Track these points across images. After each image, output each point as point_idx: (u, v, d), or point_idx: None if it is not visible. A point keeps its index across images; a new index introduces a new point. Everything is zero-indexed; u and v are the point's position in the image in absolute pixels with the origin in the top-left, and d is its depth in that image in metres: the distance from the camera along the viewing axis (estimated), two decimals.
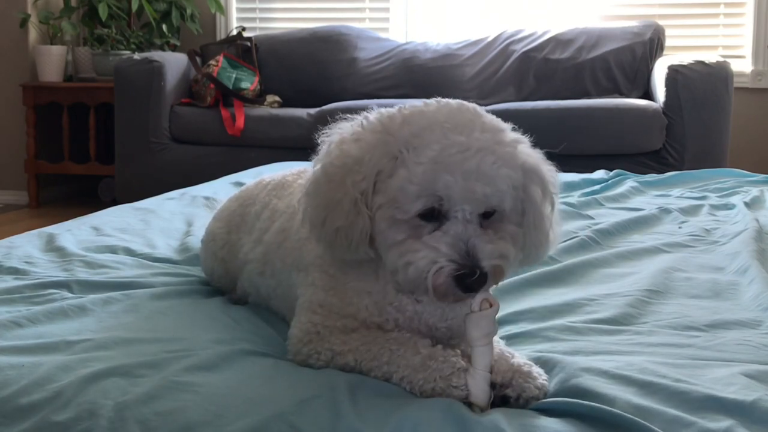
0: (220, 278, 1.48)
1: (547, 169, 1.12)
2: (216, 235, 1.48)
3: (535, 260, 1.12)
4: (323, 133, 1.14)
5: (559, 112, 3.95)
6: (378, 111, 1.10)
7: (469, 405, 0.97)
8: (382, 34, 5.00)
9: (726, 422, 0.91)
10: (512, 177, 1.03)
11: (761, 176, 2.86)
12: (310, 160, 1.15)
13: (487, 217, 1.02)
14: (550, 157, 1.16)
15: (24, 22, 4.84)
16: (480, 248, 0.98)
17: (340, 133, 1.11)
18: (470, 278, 0.97)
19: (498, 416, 0.93)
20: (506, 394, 0.99)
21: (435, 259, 0.98)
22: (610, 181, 2.80)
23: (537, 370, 1.02)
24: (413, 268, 0.99)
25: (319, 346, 1.09)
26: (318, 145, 1.13)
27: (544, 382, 1.01)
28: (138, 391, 0.96)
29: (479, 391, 0.98)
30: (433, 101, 1.10)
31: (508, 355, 1.04)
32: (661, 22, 4.51)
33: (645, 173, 3.06)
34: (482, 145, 1.01)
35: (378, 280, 1.10)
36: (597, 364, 1.07)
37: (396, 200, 1.01)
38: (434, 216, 1.00)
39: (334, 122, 1.15)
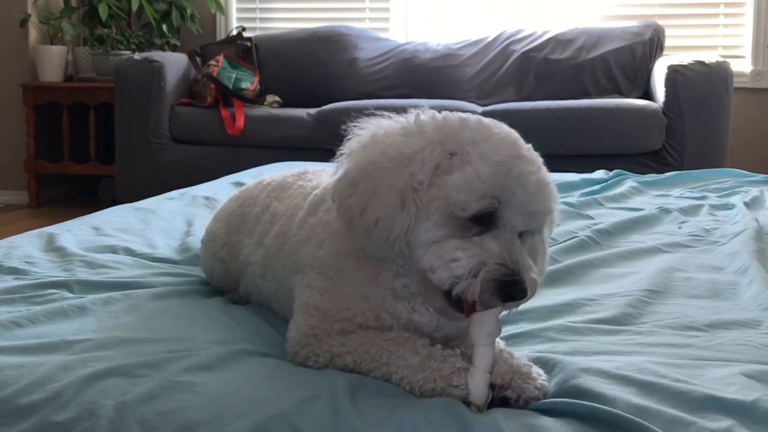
0: (220, 278, 1.48)
1: (557, 208, 1.12)
2: (216, 235, 1.48)
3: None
4: (354, 126, 1.12)
5: (559, 112, 3.96)
6: (427, 111, 1.10)
7: (467, 404, 0.97)
8: (382, 34, 5.00)
9: (726, 422, 0.91)
10: (558, 207, 1.07)
11: (761, 176, 2.86)
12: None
13: (521, 234, 1.03)
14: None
15: (24, 22, 4.84)
16: (522, 261, 0.99)
17: (378, 129, 1.09)
18: (516, 286, 0.97)
19: (498, 416, 0.93)
20: (506, 396, 0.99)
21: (485, 260, 0.97)
22: (610, 181, 2.81)
23: (536, 371, 1.02)
24: (458, 265, 0.98)
25: (317, 348, 1.09)
26: (342, 139, 1.11)
27: (544, 382, 1.01)
28: (138, 391, 0.96)
29: (478, 390, 0.98)
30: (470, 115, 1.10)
31: (507, 355, 1.05)
32: (661, 22, 4.52)
33: (645, 173, 3.06)
34: (540, 166, 1.05)
35: (378, 287, 1.09)
36: (597, 364, 1.07)
37: (453, 197, 1.00)
38: (484, 220, 1.00)
39: (364, 118, 1.13)
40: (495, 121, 1.09)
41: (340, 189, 1.07)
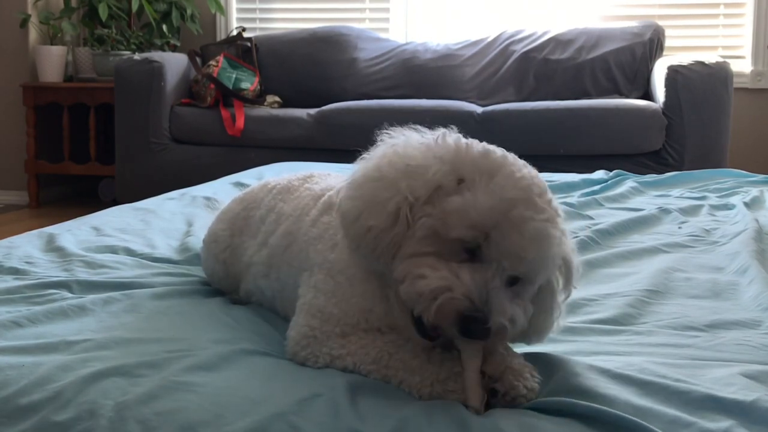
0: (221, 280, 1.48)
1: (577, 262, 1.09)
2: (218, 237, 1.48)
3: (535, 341, 1.10)
4: (385, 134, 1.11)
5: (559, 113, 3.95)
6: (454, 134, 1.07)
7: (466, 406, 0.97)
8: (382, 35, 5.00)
9: (726, 422, 0.91)
10: (556, 261, 1.02)
11: (761, 176, 2.86)
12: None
13: (512, 279, 0.99)
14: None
15: (24, 22, 4.84)
16: (496, 302, 0.94)
17: (405, 141, 1.08)
18: (477, 324, 0.93)
19: (497, 416, 0.93)
20: (495, 388, 0.99)
21: (452, 286, 0.94)
22: (609, 182, 2.81)
23: (530, 372, 1.02)
24: (424, 283, 0.95)
25: (317, 350, 1.09)
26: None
27: (535, 385, 1.00)
28: (138, 391, 0.96)
29: (472, 393, 0.97)
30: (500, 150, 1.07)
31: (504, 351, 1.04)
32: (661, 23, 4.52)
33: (645, 173, 3.06)
34: (549, 216, 0.99)
35: (382, 301, 1.07)
36: (597, 365, 1.07)
37: (446, 218, 0.97)
38: (474, 251, 0.97)
39: (399, 128, 1.12)
40: (520, 160, 1.05)
41: (343, 191, 1.07)
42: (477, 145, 1.05)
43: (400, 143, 1.08)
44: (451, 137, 1.07)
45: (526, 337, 1.09)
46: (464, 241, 0.97)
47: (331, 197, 1.24)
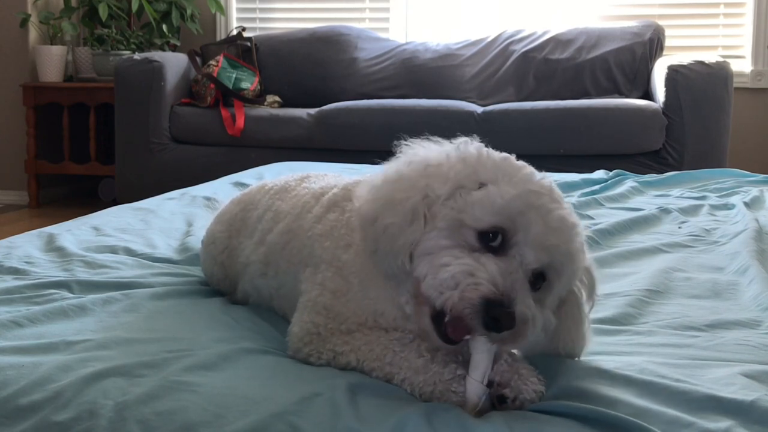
0: (220, 282, 1.48)
1: (596, 273, 1.10)
2: (216, 238, 1.48)
3: (570, 354, 1.09)
4: (406, 143, 1.11)
5: (559, 113, 3.95)
6: (475, 143, 1.08)
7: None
8: (382, 34, 5.00)
9: (726, 422, 0.91)
10: (581, 257, 1.02)
11: (761, 176, 2.86)
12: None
13: (536, 281, 0.98)
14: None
15: (24, 22, 4.84)
16: (521, 294, 0.93)
17: (425, 149, 1.09)
18: (501, 309, 0.90)
19: (498, 418, 0.93)
20: (503, 394, 0.99)
21: (475, 272, 0.92)
22: (609, 181, 2.81)
23: (537, 376, 1.02)
24: (447, 270, 0.93)
25: (321, 347, 1.09)
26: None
27: (542, 388, 1.01)
28: (138, 391, 0.96)
29: (474, 395, 0.97)
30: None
31: (509, 357, 1.04)
32: (661, 22, 4.52)
33: (645, 173, 3.06)
34: (572, 211, 1.01)
35: (393, 306, 1.07)
36: (597, 365, 1.07)
37: (468, 210, 0.97)
38: (494, 245, 0.96)
39: (418, 137, 1.12)
40: (537, 171, 1.07)
41: (362, 196, 1.07)
42: (496, 153, 1.06)
43: (422, 151, 1.08)
44: (473, 145, 1.07)
45: (557, 350, 1.08)
46: (487, 233, 0.96)
47: (335, 195, 1.24)
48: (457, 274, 0.93)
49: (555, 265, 0.99)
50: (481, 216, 0.97)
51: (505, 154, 1.06)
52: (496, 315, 0.91)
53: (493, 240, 0.97)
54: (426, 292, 0.96)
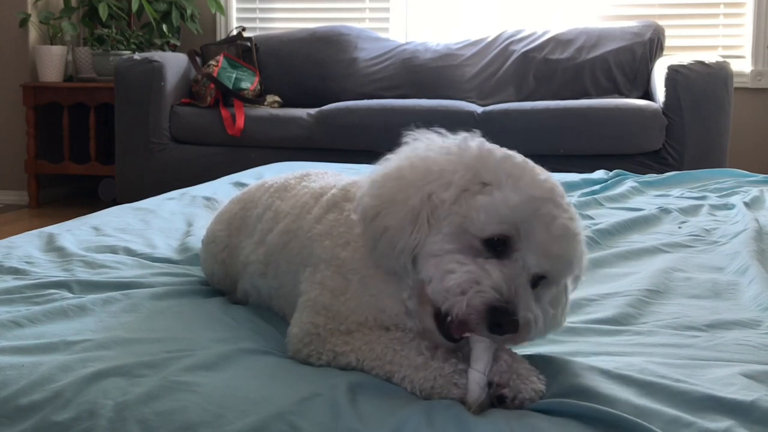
0: (220, 281, 1.48)
1: (586, 260, 1.10)
2: (217, 237, 1.48)
3: (539, 337, 1.09)
4: (408, 135, 1.11)
5: (559, 113, 3.96)
6: (476, 138, 1.08)
7: (463, 404, 0.97)
8: (382, 34, 5.00)
9: (726, 422, 0.91)
10: (581, 263, 1.04)
11: (761, 176, 2.86)
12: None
13: (534, 281, 1.00)
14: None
15: (24, 22, 4.84)
16: (524, 299, 0.95)
17: (427, 145, 1.09)
18: (506, 316, 0.93)
19: (498, 417, 0.93)
20: (502, 394, 0.99)
21: (480, 279, 0.94)
22: (609, 181, 2.81)
23: (536, 375, 1.02)
24: (452, 278, 0.95)
25: (320, 347, 1.09)
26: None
27: (542, 387, 1.01)
28: (138, 391, 0.96)
29: (477, 387, 0.98)
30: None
31: (508, 356, 1.04)
32: (661, 22, 4.52)
33: (645, 173, 3.06)
34: (572, 216, 1.02)
35: (395, 302, 1.07)
36: (597, 365, 1.07)
37: (473, 216, 0.98)
38: (497, 249, 0.98)
39: (422, 129, 1.12)
40: (538, 166, 1.07)
41: (362, 188, 1.07)
42: (497, 150, 1.06)
43: (422, 147, 1.08)
44: (474, 141, 1.07)
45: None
46: (491, 239, 0.98)
47: (335, 195, 1.24)
48: (463, 282, 0.95)
49: (555, 271, 1.01)
50: (486, 223, 0.98)
51: (506, 151, 1.06)
52: (501, 322, 0.94)
53: (497, 245, 0.98)
54: (432, 296, 0.98)
